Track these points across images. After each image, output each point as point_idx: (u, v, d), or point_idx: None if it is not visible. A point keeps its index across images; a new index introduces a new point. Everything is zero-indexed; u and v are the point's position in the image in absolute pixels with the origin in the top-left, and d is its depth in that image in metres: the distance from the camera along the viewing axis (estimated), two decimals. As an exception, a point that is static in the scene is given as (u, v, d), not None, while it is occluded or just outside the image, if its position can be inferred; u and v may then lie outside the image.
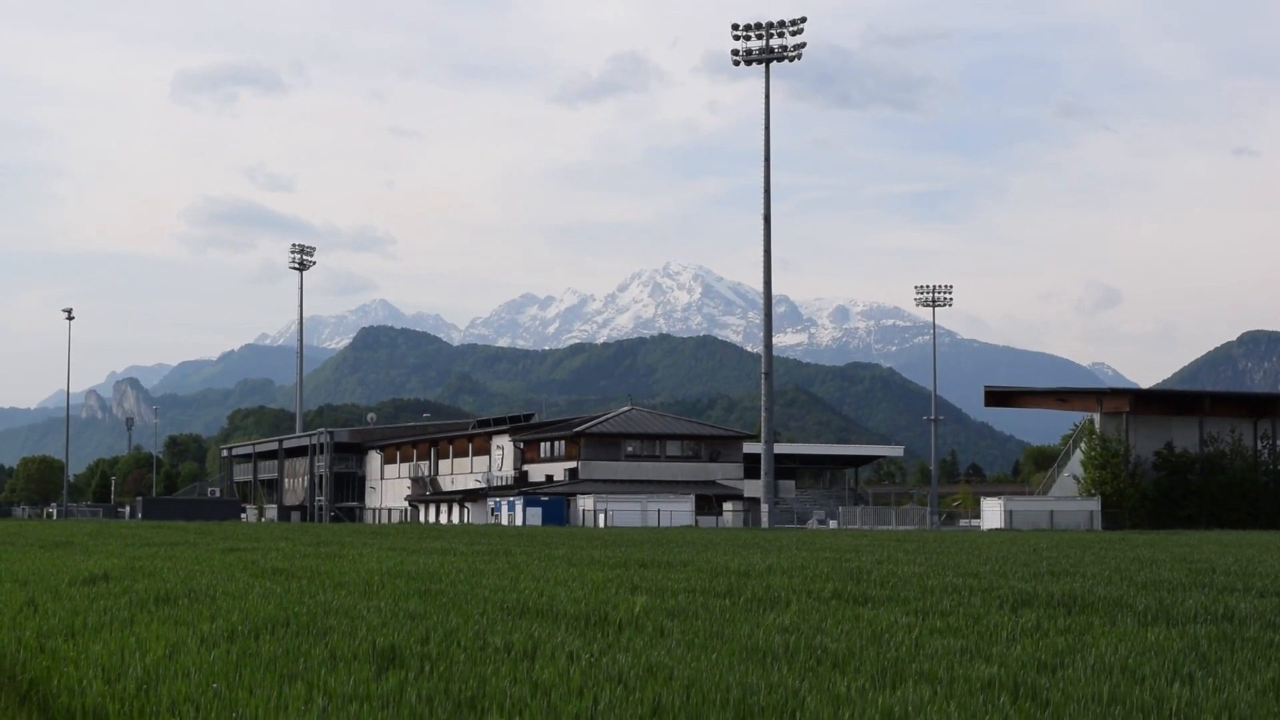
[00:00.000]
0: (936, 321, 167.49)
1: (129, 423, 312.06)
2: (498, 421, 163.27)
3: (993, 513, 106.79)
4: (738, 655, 14.19)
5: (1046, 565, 32.34)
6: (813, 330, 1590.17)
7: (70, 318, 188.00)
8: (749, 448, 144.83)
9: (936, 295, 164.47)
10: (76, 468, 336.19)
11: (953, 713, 10.61)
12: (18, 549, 42.71)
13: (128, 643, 15.02)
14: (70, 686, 12.47)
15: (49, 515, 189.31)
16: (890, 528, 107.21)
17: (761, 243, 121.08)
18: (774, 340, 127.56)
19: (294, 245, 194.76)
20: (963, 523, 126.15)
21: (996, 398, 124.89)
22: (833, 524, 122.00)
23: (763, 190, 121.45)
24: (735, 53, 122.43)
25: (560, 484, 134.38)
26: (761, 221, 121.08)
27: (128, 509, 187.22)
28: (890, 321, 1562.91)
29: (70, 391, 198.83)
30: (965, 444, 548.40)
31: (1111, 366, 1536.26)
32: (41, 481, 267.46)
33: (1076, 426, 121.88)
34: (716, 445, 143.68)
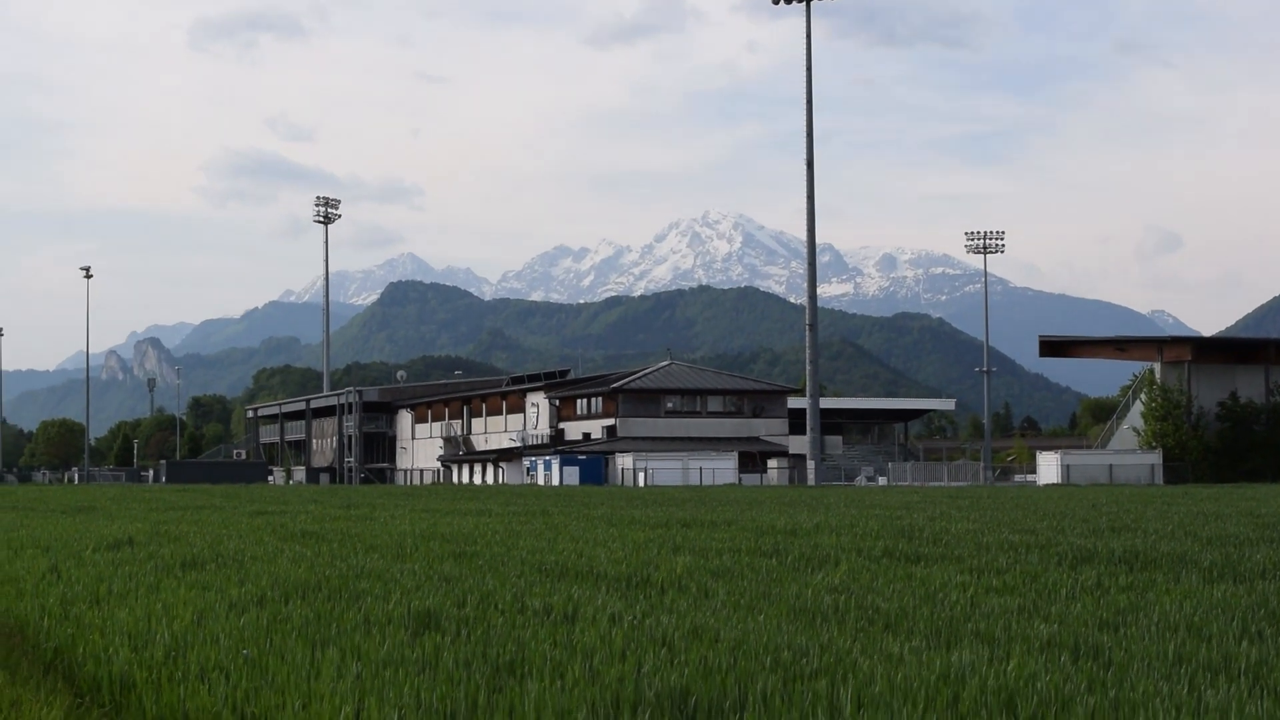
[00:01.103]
0: (988, 269, 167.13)
1: (151, 384, 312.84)
2: (532, 378, 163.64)
3: (1049, 467, 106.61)
4: (786, 616, 14.20)
5: (1106, 521, 32.26)
6: (859, 280, 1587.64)
7: (89, 276, 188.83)
8: (793, 402, 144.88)
9: (988, 241, 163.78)
10: (97, 431, 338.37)
11: (1011, 673, 10.58)
12: (39, 514, 42.98)
13: (154, 609, 15.11)
14: (96, 654, 12.54)
15: (70, 480, 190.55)
16: (942, 484, 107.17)
17: (804, 189, 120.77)
18: (818, 291, 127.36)
19: (318, 198, 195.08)
20: (1018, 478, 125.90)
21: (1052, 348, 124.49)
22: (882, 481, 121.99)
23: (805, 134, 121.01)
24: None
25: (598, 442, 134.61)
26: (804, 167, 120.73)
27: (151, 473, 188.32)
28: (940, 270, 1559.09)
29: (90, 352, 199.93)
30: (1020, 396, 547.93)
31: (1172, 314, 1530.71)
32: (62, 445, 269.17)
33: (1136, 377, 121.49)
34: (760, 400, 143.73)
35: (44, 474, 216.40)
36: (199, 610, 14.93)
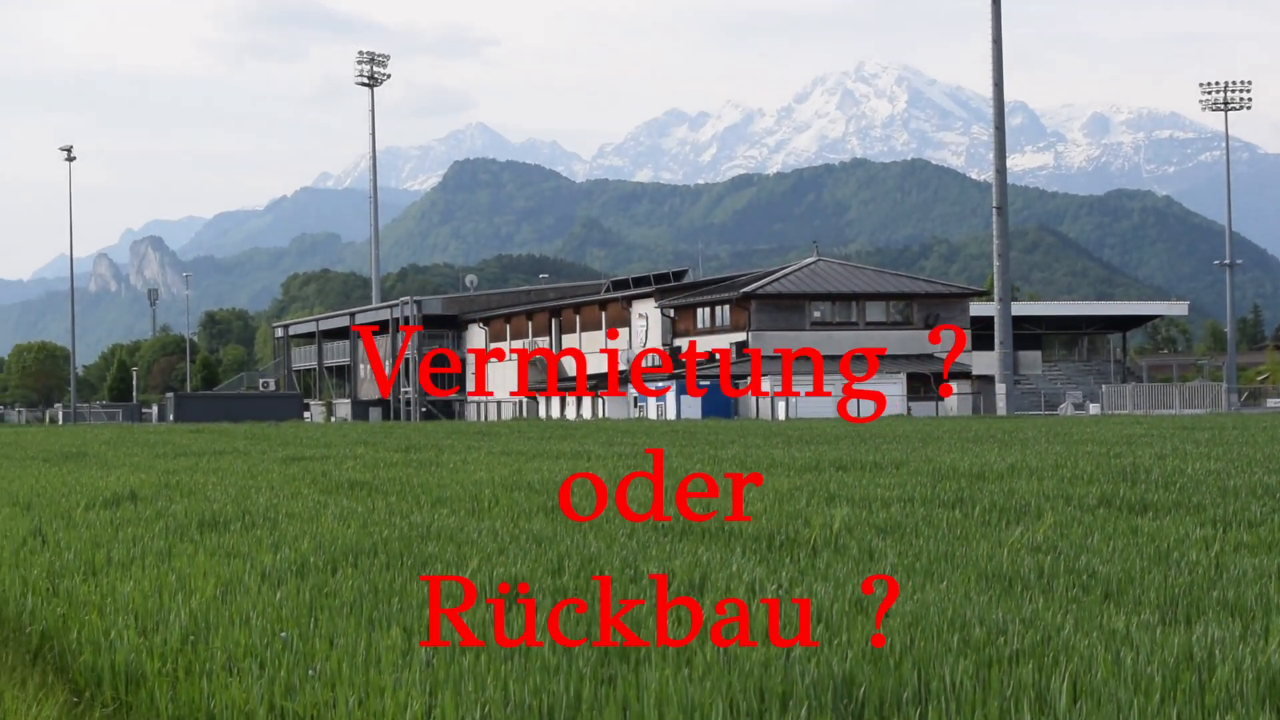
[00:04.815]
0: (1231, 132, 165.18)
1: (152, 295, 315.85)
2: (639, 282, 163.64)
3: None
4: (975, 583, 14.17)
5: (1390, 457, 31.99)
6: (1061, 148, 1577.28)
7: (71, 158, 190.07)
8: (977, 309, 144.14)
9: (1230, 95, 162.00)
10: (86, 356, 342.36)
11: (1273, 655, 10.51)
12: (16, 463, 43.52)
13: (166, 581, 15.23)
14: (94, 640, 12.62)
15: (52, 419, 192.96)
16: (1172, 412, 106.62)
17: (989, 31, 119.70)
18: (1009, 163, 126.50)
19: (361, 53, 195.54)
20: (1271, 403, 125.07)
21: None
22: (1093, 408, 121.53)
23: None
24: None
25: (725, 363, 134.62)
26: (989, 1, 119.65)
27: (155, 409, 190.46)
28: (1167, 133, 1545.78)
29: (75, 256, 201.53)
30: (1274, 297, 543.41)
31: None
32: (41, 375, 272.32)
33: None
34: (934, 306, 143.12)
35: (19, 412, 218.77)
36: (223, 582, 15.06)
